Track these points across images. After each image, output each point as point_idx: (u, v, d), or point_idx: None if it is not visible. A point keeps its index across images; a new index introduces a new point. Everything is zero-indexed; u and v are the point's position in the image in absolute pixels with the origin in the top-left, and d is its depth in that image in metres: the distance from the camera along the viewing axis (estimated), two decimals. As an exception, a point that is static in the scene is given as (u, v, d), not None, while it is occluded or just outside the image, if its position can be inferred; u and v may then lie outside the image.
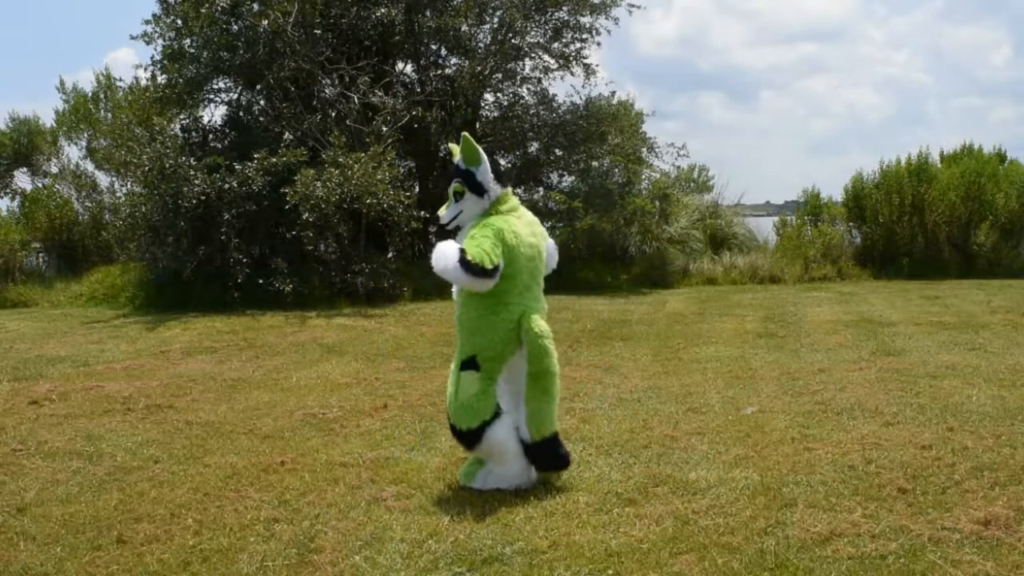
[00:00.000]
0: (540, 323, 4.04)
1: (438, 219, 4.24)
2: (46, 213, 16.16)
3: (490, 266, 3.90)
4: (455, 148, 4.27)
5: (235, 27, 13.64)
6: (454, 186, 4.17)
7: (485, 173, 4.15)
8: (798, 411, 5.48)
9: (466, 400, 4.02)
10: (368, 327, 10.02)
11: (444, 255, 3.90)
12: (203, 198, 11.94)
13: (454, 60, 15.66)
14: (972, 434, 4.82)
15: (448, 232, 4.34)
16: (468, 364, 4.05)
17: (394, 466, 4.51)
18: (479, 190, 4.13)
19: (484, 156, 4.16)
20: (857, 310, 10.56)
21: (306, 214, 11.70)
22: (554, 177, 15.89)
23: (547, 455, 4.10)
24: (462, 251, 3.89)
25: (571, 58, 15.35)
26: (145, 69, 14.27)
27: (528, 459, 4.09)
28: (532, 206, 15.26)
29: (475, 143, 4.15)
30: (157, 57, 13.83)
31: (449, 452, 4.75)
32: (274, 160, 12.14)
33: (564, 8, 14.96)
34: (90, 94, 18.18)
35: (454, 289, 4.22)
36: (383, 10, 13.91)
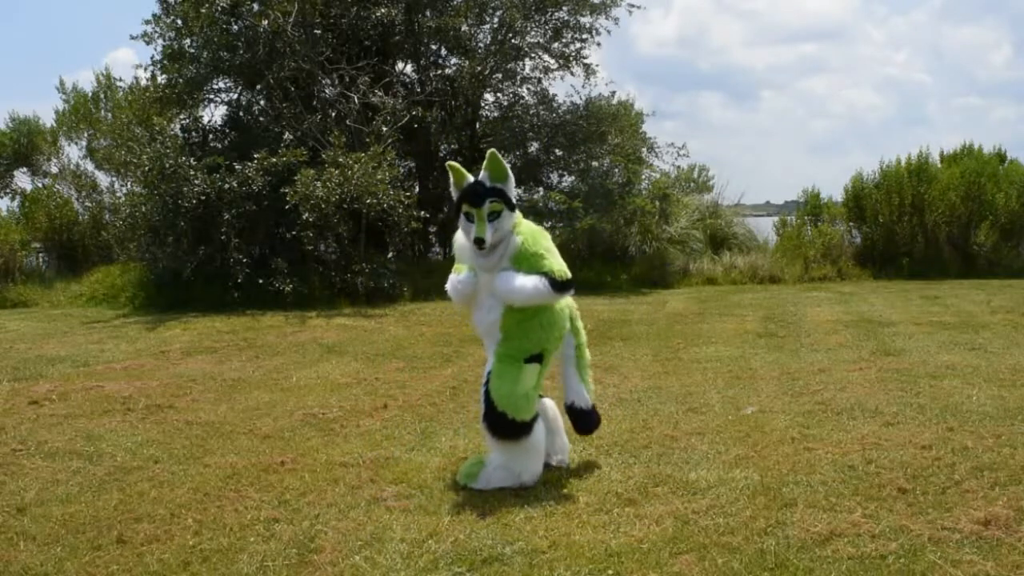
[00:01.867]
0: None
1: (481, 243, 4.03)
2: (46, 213, 16.15)
3: (570, 276, 4.14)
4: (457, 168, 4.20)
5: (235, 27, 13.64)
6: (490, 206, 4.05)
7: (512, 188, 4.18)
8: (798, 411, 5.48)
9: (528, 391, 4.10)
10: (368, 327, 10.02)
11: (532, 289, 4.02)
12: (203, 198, 11.94)
13: (454, 60, 15.67)
14: (972, 434, 4.82)
15: (441, 231, 4.38)
16: (535, 358, 4.16)
17: (394, 466, 4.51)
18: (512, 206, 4.15)
19: (510, 171, 4.20)
20: (857, 310, 10.56)
21: (306, 214, 11.70)
22: (554, 177, 15.89)
23: (596, 417, 4.52)
24: (548, 276, 4.04)
25: (571, 58, 15.36)
26: (145, 69, 14.29)
27: (583, 422, 4.46)
28: (532, 206, 15.28)
29: (502, 159, 4.15)
30: (157, 57, 13.84)
31: (449, 452, 4.75)
32: (274, 160, 12.14)
33: (564, 8, 14.96)
34: (90, 94, 18.19)
35: (492, 315, 4.18)
36: (383, 10, 13.91)
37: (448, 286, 4.38)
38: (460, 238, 4.30)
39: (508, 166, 4.17)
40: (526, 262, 4.08)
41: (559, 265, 4.10)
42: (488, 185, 4.10)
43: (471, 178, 4.17)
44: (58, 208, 16.29)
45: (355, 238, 12.69)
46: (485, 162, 4.14)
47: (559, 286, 4.05)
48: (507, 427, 4.07)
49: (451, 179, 4.24)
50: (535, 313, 4.14)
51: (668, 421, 5.33)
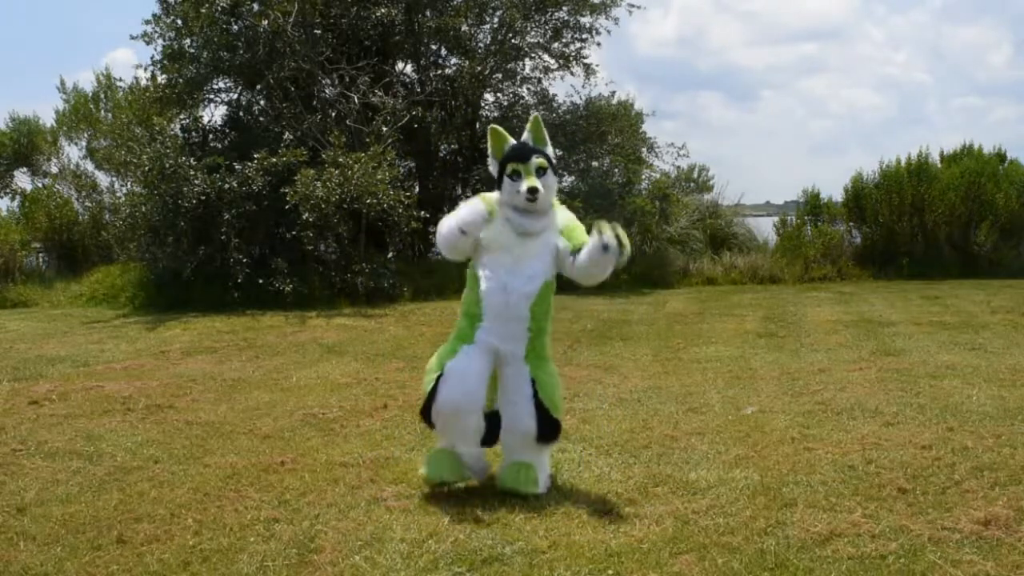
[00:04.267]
0: None
1: (535, 192, 3.92)
2: (46, 213, 16.15)
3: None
4: (498, 131, 4.16)
5: (235, 27, 13.64)
6: (539, 161, 4.01)
7: (552, 154, 4.17)
8: (798, 411, 5.48)
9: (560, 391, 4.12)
10: (368, 327, 10.02)
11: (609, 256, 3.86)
12: (203, 198, 11.94)
13: (454, 60, 15.67)
14: (972, 434, 4.82)
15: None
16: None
17: (394, 466, 4.51)
18: (556, 170, 4.14)
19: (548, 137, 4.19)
20: (857, 310, 10.56)
21: (306, 214, 11.70)
22: (554, 177, 15.87)
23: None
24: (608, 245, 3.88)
25: (571, 58, 15.36)
26: (145, 69, 14.29)
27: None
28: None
29: (542, 125, 4.17)
30: (157, 57, 13.84)
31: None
32: (274, 160, 12.14)
33: (564, 8, 14.96)
34: (90, 94, 18.19)
35: (530, 285, 3.96)
36: (383, 10, 13.91)
37: (450, 223, 3.99)
38: (476, 206, 4.02)
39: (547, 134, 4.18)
40: (572, 234, 4.04)
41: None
42: (532, 146, 4.10)
43: (513, 140, 4.16)
44: (58, 208, 16.29)
45: (355, 238, 12.69)
46: (528, 125, 4.15)
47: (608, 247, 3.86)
48: (556, 428, 4.05)
49: (490, 145, 4.16)
50: (553, 297, 4.07)
51: (668, 421, 5.33)
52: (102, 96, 18.12)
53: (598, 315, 10.65)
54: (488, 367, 3.99)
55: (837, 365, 7.02)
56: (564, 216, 4.16)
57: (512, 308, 3.95)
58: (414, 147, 14.77)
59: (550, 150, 4.16)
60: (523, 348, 3.99)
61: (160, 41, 13.74)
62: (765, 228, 18.33)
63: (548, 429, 4.00)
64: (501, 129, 4.19)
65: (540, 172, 4.02)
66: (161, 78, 13.94)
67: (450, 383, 3.92)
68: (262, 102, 14.43)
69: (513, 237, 4.01)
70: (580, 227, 4.12)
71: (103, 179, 17.34)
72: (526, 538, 3.50)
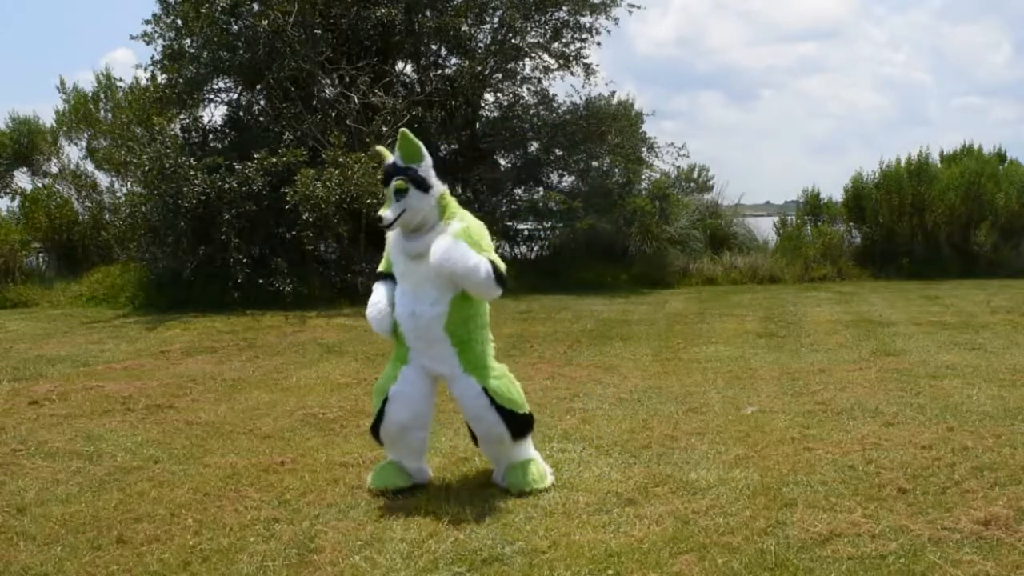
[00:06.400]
0: None
1: (379, 220, 4.00)
2: (46, 213, 16.11)
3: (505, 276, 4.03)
4: (383, 150, 4.18)
5: (235, 27, 13.63)
6: (396, 184, 3.95)
7: (428, 169, 4.05)
8: (798, 411, 5.48)
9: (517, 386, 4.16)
10: (368, 327, 9.97)
11: (477, 267, 3.82)
12: (203, 198, 11.94)
13: (454, 60, 15.65)
14: (972, 434, 4.82)
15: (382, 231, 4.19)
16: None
17: (394, 466, 4.50)
18: (424, 186, 4.00)
19: (426, 152, 4.07)
20: (857, 310, 10.56)
21: (306, 214, 11.70)
22: (554, 177, 15.88)
23: None
24: (493, 264, 3.90)
25: (571, 58, 15.34)
26: (145, 69, 14.28)
27: None
28: (532, 206, 15.26)
29: (415, 139, 4.04)
30: (157, 57, 13.83)
31: (449, 452, 4.75)
32: (274, 160, 12.13)
33: (564, 8, 14.95)
34: (90, 94, 18.16)
35: (437, 308, 3.97)
36: (383, 10, 13.90)
37: (371, 312, 4.21)
38: (374, 317, 4.29)
39: (422, 147, 4.05)
40: (470, 243, 3.97)
41: (500, 261, 4.01)
42: (399, 165, 4.02)
43: (391, 158, 4.09)
44: (58, 208, 16.25)
45: (355, 238, 12.68)
46: (398, 142, 4.05)
47: (501, 278, 3.93)
48: (527, 422, 4.12)
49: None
50: (475, 309, 4.04)
51: (668, 421, 5.33)
52: (102, 96, 18.08)
53: (598, 315, 10.65)
54: (430, 385, 4.17)
55: (837, 365, 7.02)
56: (455, 228, 3.98)
57: (425, 332, 4.01)
58: (414, 147, 14.75)
59: (425, 162, 4.03)
60: (457, 364, 4.03)
61: (160, 41, 13.74)
62: (765, 228, 18.32)
63: (520, 426, 4.07)
64: (382, 148, 4.21)
65: (399, 194, 3.95)
66: (161, 78, 13.92)
67: (396, 406, 4.09)
68: (262, 102, 14.42)
69: (407, 261, 4.05)
70: (475, 234, 3.99)
71: (103, 179, 17.30)
72: (526, 538, 3.50)
